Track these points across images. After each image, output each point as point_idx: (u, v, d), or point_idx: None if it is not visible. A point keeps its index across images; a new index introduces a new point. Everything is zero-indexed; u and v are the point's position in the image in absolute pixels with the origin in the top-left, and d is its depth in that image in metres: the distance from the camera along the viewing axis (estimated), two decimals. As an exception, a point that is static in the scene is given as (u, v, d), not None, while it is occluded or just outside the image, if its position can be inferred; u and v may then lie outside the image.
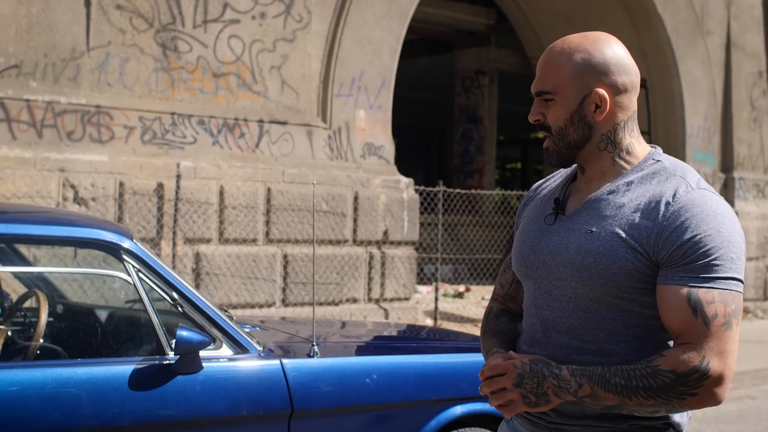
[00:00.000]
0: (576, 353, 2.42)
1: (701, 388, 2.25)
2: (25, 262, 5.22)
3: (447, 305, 13.40)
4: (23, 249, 5.33)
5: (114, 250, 4.05)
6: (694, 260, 2.29)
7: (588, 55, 2.44)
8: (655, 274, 2.34)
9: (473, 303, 14.19)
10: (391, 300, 11.85)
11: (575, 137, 2.45)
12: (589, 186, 2.51)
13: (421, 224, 12.68)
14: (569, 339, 2.44)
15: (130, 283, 4.06)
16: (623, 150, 2.48)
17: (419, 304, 12.71)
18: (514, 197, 14.33)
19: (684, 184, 2.38)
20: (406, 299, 12.04)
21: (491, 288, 15.02)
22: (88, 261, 5.33)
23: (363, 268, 11.59)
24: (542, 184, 2.78)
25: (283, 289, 10.91)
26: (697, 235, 2.29)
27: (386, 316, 11.60)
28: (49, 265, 6.26)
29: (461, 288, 15.05)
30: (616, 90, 2.44)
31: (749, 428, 8.39)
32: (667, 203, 2.34)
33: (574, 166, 2.62)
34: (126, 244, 4.05)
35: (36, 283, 5.26)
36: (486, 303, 14.01)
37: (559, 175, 2.73)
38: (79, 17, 9.67)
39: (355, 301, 11.50)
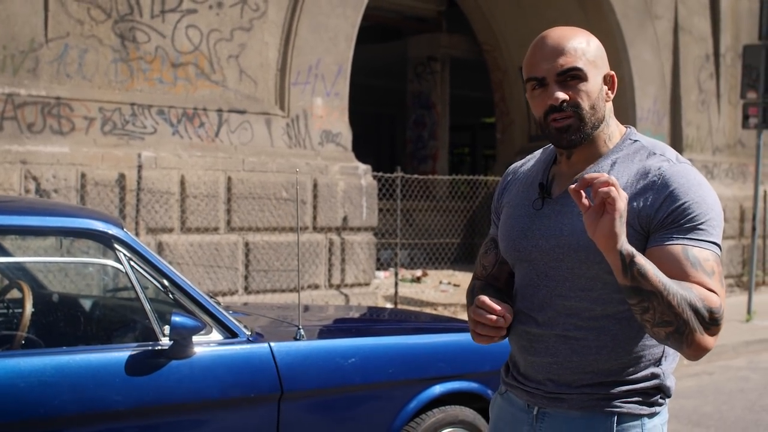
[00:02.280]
0: (573, 329, 2.54)
1: (709, 330, 2.37)
2: (7, 253, 5.25)
3: (406, 290, 13.53)
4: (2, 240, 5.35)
5: (105, 239, 4.11)
6: (683, 224, 2.43)
7: (597, 42, 2.60)
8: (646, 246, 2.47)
9: (431, 287, 14.33)
10: (352, 285, 11.96)
11: (600, 115, 2.56)
12: (573, 168, 2.62)
13: (379, 210, 12.79)
14: (566, 317, 2.55)
15: (122, 272, 4.12)
16: (611, 132, 2.62)
17: (378, 289, 12.83)
18: (462, 182, 14.46)
19: (666, 160, 2.54)
20: (366, 284, 12.15)
21: (448, 272, 15.17)
22: (70, 250, 5.38)
23: (323, 255, 11.68)
24: (518, 167, 2.88)
25: (246, 277, 10.97)
26: (685, 202, 2.44)
27: (347, 301, 11.71)
28: (29, 255, 6.28)
29: (418, 273, 15.18)
30: (614, 75, 2.62)
31: (708, 402, 8.62)
32: (654, 178, 2.48)
33: (552, 149, 2.74)
34: (117, 232, 4.12)
35: (17, 274, 5.30)
36: (444, 287, 14.17)
37: (535, 159, 2.83)
38: (37, 9, 9.64)
39: (316, 287, 11.59)
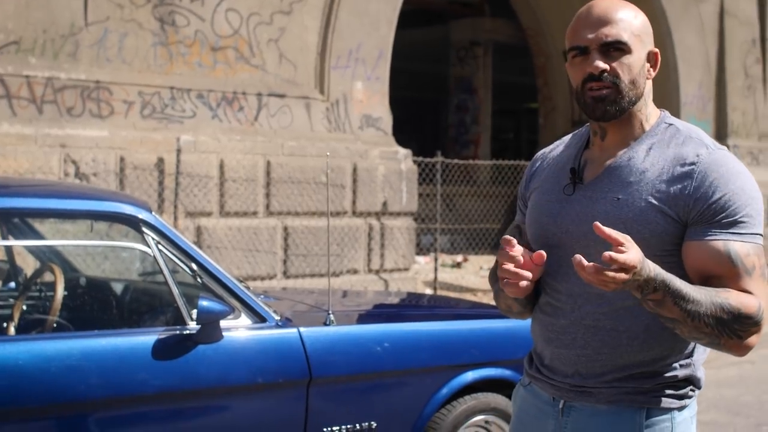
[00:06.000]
0: (604, 318, 2.46)
1: (747, 333, 2.33)
2: (38, 236, 5.26)
3: (446, 275, 13.47)
4: (34, 223, 5.37)
5: (133, 223, 4.10)
6: (724, 217, 2.36)
7: (644, 17, 2.52)
8: (683, 235, 2.40)
9: (471, 273, 14.26)
10: (391, 271, 11.92)
11: (640, 90, 2.49)
12: (606, 153, 2.54)
13: (419, 195, 12.74)
14: (597, 306, 2.47)
15: (150, 255, 4.10)
16: (648, 113, 2.55)
17: (418, 275, 12.78)
18: (507, 167, 14.35)
19: (703, 146, 2.45)
20: (406, 270, 12.11)
21: (489, 258, 15.09)
22: (100, 233, 5.38)
23: (362, 240, 11.64)
24: (547, 153, 2.80)
25: (284, 261, 10.97)
26: (725, 194, 2.36)
27: (386, 286, 11.67)
28: (59, 239, 6.30)
29: (459, 258, 15.12)
30: (658, 54, 2.55)
31: (749, 392, 8.50)
32: (693, 165, 2.40)
33: (586, 133, 2.66)
34: (145, 216, 4.11)
35: (49, 257, 5.31)
36: (484, 272, 14.09)
37: (564, 144, 2.75)
38: (77, -8, 9.67)
39: (355, 272, 11.57)
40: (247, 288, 4.61)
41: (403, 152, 12.03)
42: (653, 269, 2.25)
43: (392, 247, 11.92)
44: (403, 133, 14.92)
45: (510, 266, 2.42)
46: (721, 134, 16.35)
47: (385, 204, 11.77)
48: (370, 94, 11.85)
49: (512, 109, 29.66)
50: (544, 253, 2.43)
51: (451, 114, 20.48)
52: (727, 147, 15.88)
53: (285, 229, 10.94)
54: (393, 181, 11.85)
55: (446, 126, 21.34)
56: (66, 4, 9.59)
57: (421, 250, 14.28)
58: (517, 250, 2.42)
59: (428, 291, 12.28)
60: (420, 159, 12.44)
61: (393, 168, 11.86)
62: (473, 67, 19.78)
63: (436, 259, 12.55)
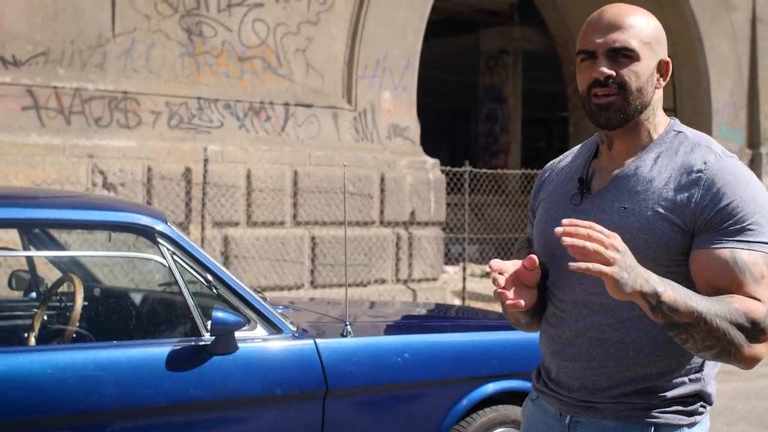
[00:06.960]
0: (609, 330, 2.41)
1: (755, 340, 2.25)
2: (59, 246, 5.28)
3: (474, 285, 13.40)
4: (55, 234, 5.39)
5: (149, 234, 4.09)
6: (731, 225, 2.30)
7: (657, 25, 2.47)
8: (691, 244, 2.35)
9: (500, 282, 14.14)
10: (419, 281, 11.88)
11: (647, 99, 2.44)
12: (614, 162, 2.50)
13: (448, 204, 12.70)
14: (602, 317, 2.42)
15: (165, 266, 4.10)
16: (657, 122, 2.50)
17: (447, 285, 12.72)
18: (536, 176, 14.25)
19: (711, 153, 2.40)
20: (434, 280, 12.07)
21: (518, 267, 14.98)
22: (128, 244, 5.39)
23: (391, 249, 11.62)
24: (556, 163, 2.76)
25: (312, 271, 10.96)
26: (733, 201, 2.31)
27: (414, 296, 11.64)
28: (78, 250, 6.32)
29: (488, 268, 15.02)
30: (670, 63, 2.50)
31: (780, 403, 8.39)
32: (699, 173, 2.35)
33: (595, 142, 2.62)
34: (160, 227, 4.10)
35: (70, 268, 5.32)
36: (513, 282, 13.98)
37: (573, 154, 2.71)
38: (104, 4, 9.71)
39: (383, 282, 11.54)
40: (264, 299, 4.59)
41: (431, 162, 12.01)
42: (653, 275, 2.20)
43: (420, 257, 11.88)
44: (433, 143, 14.91)
45: (500, 286, 2.38)
46: (753, 142, 16.20)
47: (413, 214, 11.75)
48: (397, 104, 11.84)
49: (543, 117, 29.54)
50: (534, 257, 2.36)
51: (480, 123, 20.43)
52: (760, 155, 15.77)
53: (312, 238, 10.93)
54: (421, 190, 11.83)
55: (476, 135, 21.29)
56: (93, 15, 9.65)
57: (449, 259, 14.22)
58: (505, 271, 2.40)
59: (457, 301, 12.23)
60: (448, 168, 12.41)
61: (421, 177, 11.83)
62: (503, 76, 19.72)
63: (464, 269, 12.50)
